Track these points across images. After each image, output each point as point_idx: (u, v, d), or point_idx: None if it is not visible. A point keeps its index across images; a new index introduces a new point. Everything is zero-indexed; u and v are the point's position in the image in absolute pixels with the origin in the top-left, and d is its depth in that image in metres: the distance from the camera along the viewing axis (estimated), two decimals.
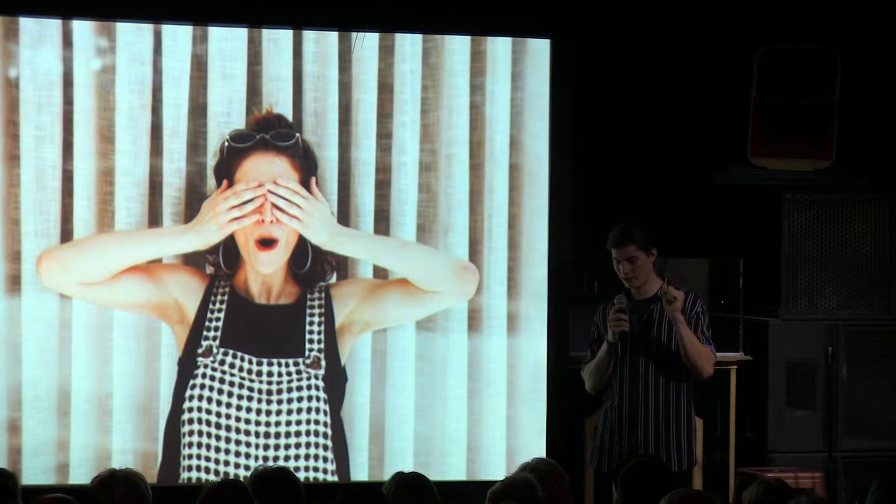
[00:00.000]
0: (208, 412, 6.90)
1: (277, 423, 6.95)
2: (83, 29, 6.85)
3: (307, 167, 7.00)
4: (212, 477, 6.85)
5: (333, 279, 7.04)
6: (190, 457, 6.89)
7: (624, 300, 6.33)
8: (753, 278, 7.60)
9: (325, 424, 6.99)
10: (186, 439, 6.89)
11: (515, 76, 7.20)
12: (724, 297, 7.56)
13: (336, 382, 7.02)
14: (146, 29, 6.89)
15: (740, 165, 7.66)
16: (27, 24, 6.80)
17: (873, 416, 7.62)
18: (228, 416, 6.92)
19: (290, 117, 7.00)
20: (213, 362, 6.91)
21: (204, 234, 6.92)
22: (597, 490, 6.86)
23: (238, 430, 6.93)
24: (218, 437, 6.91)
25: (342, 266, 7.05)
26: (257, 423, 6.93)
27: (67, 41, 6.83)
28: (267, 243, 6.95)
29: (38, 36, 6.82)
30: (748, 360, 7.46)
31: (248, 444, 6.92)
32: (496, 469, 7.08)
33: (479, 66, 7.15)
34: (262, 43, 6.98)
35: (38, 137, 6.80)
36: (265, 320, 6.97)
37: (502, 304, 7.17)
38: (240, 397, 6.93)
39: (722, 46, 7.59)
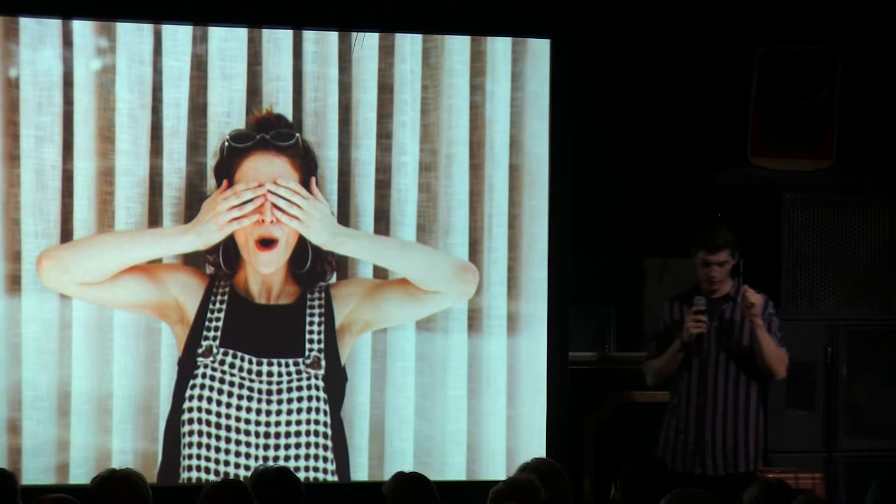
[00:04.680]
0: (208, 412, 6.90)
1: (277, 423, 6.95)
2: (83, 29, 6.85)
3: (307, 167, 7.00)
4: (212, 477, 6.85)
5: (333, 279, 7.04)
6: (190, 457, 6.89)
7: (703, 301, 6.40)
8: (753, 278, 7.59)
9: (325, 424, 6.99)
10: (186, 439, 6.89)
11: (515, 76, 7.20)
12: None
13: (336, 382, 7.02)
14: (146, 29, 6.89)
15: (740, 165, 7.66)
16: (27, 24, 6.80)
17: (873, 416, 7.62)
18: (228, 416, 6.92)
19: (290, 117, 7.00)
20: (213, 362, 6.91)
21: (204, 234, 6.92)
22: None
23: (238, 430, 6.92)
24: (218, 437, 6.91)
25: (342, 266, 7.05)
26: (257, 423, 6.93)
27: (67, 41, 6.83)
28: (267, 243, 6.95)
29: (38, 36, 6.82)
30: None
31: (248, 444, 6.92)
32: (496, 469, 7.08)
33: (479, 66, 7.15)
34: (262, 43, 6.98)
35: (38, 137, 6.80)
36: (265, 320, 6.97)
37: (502, 304, 7.17)
38: (240, 397, 6.93)
39: (722, 46, 7.58)
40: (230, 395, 6.92)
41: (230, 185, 6.93)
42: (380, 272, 7.08)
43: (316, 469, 6.97)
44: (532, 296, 7.21)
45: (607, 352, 7.71)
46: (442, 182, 7.13)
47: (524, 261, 7.20)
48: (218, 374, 6.91)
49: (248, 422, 6.93)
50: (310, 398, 6.98)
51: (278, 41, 6.99)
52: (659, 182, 7.66)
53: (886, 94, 7.72)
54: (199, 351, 6.91)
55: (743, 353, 6.43)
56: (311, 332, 6.99)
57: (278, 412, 6.95)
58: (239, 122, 6.97)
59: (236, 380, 6.93)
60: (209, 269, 6.94)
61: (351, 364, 7.05)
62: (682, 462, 6.49)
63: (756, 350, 6.38)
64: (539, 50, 7.21)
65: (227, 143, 6.94)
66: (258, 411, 6.93)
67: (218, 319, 6.92)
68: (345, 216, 7.05)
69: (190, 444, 6.89)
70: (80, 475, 6.69)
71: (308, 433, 6.97)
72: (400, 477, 5.15)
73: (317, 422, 6.98)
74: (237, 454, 6.92)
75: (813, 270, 7.66)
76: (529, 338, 7.20)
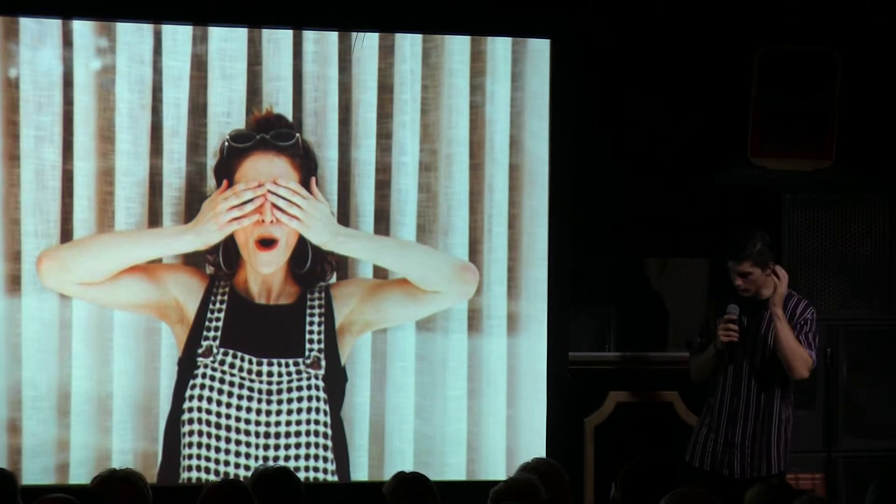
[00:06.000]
0: (208, 412, 6.90)
1: (277, 423, 6.95)
2: (83, 29, 6.85)
3: (307, 167, 7.00)
4: (212, 477, 6.85)
5: (333, 279, 7.04)
6: (190, 457, 6.89)
7: (736, 309, 6.44)
8: None
9: (325, 424, 6.99)
10: (186, 439, 6.89)
11: (515, 76, 7.20)
12: (724, 297, 7.57)
13: (336, 382, 7.02)
14: (146, 29, 6.89)
15: (740, 165, 7.66)
16: (27, 24, 6.80)
17: (873, 416, 7.63)
18: (228, 416, 6.92)
19: (290, 117, 7.00)
20: (213, 362, 6.91)
21: (204, 234, 6.92)
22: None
23: (238, 430, 6.93)
24: (218, 437, 6.91)
25: (342, 266, 7.05)
26: (257, 423, 6.93)
27: (67, 41, 6.83)
28: (267, 243, 6.95)
29: (38, 36, 6.82)
30: None
31: (248, 444, 6.92)
32: (496, 469, 7.08)
33: (479, 66, 7.15)
34: (262, 43, 6.98)
35: (38, 137, 6.80)
36: (265, 320, 6.97)
37: (502, 304, 7.17)
38: (240, 397, 6.93)
39: (722, 46, 7.59)
40: (230, 395, 6.92)
41: (230, 185, 6.93)
42: (380, 272, 7.08)
43: (316, 469, 6.97)
44: (532, 296, 7.21)
45: (607, 352, 7.71)
46: (442, 182, 7.14)
47: (524, 261, 7.20)
48: (218, 374, 6.91)
49: (248, 422, 6.93)
50: (310, 398, 6.98)
51: (278, 41, 6.99)
52: (659, 182, 7.66)
53: (886, 94, 7.72)
54: (199, 351, 6.91)
55: (777, 359, 6.47)
56: (311, 332, 6.99)
57: (278, 412, 6.95)
58: (239, 122, 6.97)
59: (236, 380, 6.93)
60: (209, 269, 6.94)
61: (351, 364, 7.05)
62: (710, 461, 6.54)
63: (775, 343, 6.42)
64: (539, 50, 7.21)
65: (227, 143, 6.94)
66: (258, 411, 6.93)
67: (218, 319, 6.92)
68: (345, 216, 7.05)
69: (190, 444, 6.89)
70: (80, 475, 6.70)
71: (308, 433, 6.97)
72: (400, 477, 5.15)
73: (317, 422, 6.98)
74: (237, 454, 6.92)
75: (813, 270, 7.65)
76: (529, 338, 7.20)
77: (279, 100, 6.99)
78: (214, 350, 6.92)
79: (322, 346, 7.00)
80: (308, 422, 6.97)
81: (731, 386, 6.52)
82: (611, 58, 7.53)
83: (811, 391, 7.52)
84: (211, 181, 6.94)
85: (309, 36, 7.03)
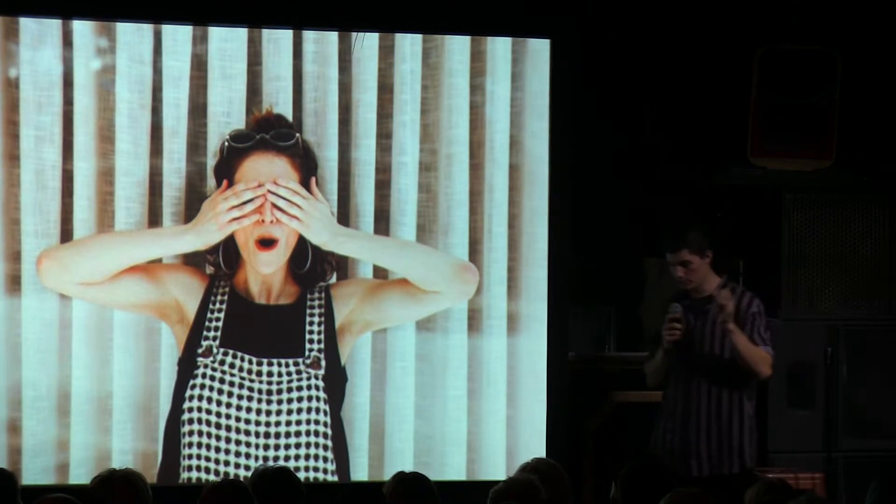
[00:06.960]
0: (208, 412, 6.90)
1: (277, 423, 6.95)
2: (83, 29, 6.84)
3: (307, 167, 7.00)
4: (212, 477, 6.85)
5: (333, 279, 7.04)
6: (190, 457, 6.89)
7: (678, 308, 6.39)
8: (753, 278, 7.60)
9: (325, 424, 6.99)
10: (186, 439, 6.89)
11: (515, 76, 7.19)
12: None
13: (336, 382, 7.02)
14: (146, 29, 6.89)
15: (740, 165, 7.67)
16: (27, 24, 6.80)
17: (873, 416, 7.63)
18: (228, 416, 6.92)
19: (290, 117, 7.00)
20: (213, 362, 6.91)
21: (204, 234, 6.92)
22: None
23: (238, 430, 6.92)
24: (218, 437, 6.91)
25: (342, 266, 7.05)
26: (257, 423, 6.93)
27: (67, 41, 6.83)
28: (267, 243, 6.95)
29: (38, 36, 6.82)
30: None
31: (248, 444, 6.92)
32: (496, 469, 7.08)
33: (479, 66, 7.15)
34: (262, 43, 6.98)
35: (38, 137, 6.80)
36: (265, 320, 6.97)
37: (502, 304, 7.17)
38: (240, 397, 6.93)
39: (722, 46, 7.59)
40: (230, 395, 6.92)
41: (230, 185, 6.93)
42: (380, 272, 7.08)
43: (316, 469, 6.97)
44: (532, 296, 7.20)
45: (607, 352, 7.71)
46: (442, 182, 7.14)
47: (524, 261, 7.20)
48: (218, 374, 6.91)
49: (248, 422, 6.93)
50: (310, 398, 6.98)
51: (278, 41, 6.99)
52: (659, 182, 7.66)
53: (886, 94, 7.72)
54: (199, 351, 6.91)
55: (724, 352, 6.42)
56: (311, 332, 6.99)
57: (278, 412, 6.95)
58: (239, 122, 6.96)
59: (236, 380, 6.93)
60: (209, 269, 6.94)
61: (351, 364, 7.05)
62: (669, 461, 6.49)
63: (735, 354, 6.36)
64: (539, 50, 7.21)
65: (227, 143, 6.94)
66: (258, 411, 6.93)
67: (218, 319, 6.92)
68: (345, 216, 7.05)
69: (190, 444, 6.89)
70: (80, 475, 6.69)
71: (308, 433, 6.97)
72: (400, 477, 5.15)
73: (317, 422, 6.98)
74: (237, 454, 6.92)
75: (813, 270, 7.66)
76: (529, 338, 7.20)
77: (279, 100, 6.99)
78: (214, 350, 6.92)
79: (322, 346, 7.00)
80: (308, 422, 6.97)
81: (682, 385, 6.48)
82: (611, 58, 7.53)
83: (811, 391, 7.53)
84: (211, 181, 6.94)
85: (309, 36, 7.03)
